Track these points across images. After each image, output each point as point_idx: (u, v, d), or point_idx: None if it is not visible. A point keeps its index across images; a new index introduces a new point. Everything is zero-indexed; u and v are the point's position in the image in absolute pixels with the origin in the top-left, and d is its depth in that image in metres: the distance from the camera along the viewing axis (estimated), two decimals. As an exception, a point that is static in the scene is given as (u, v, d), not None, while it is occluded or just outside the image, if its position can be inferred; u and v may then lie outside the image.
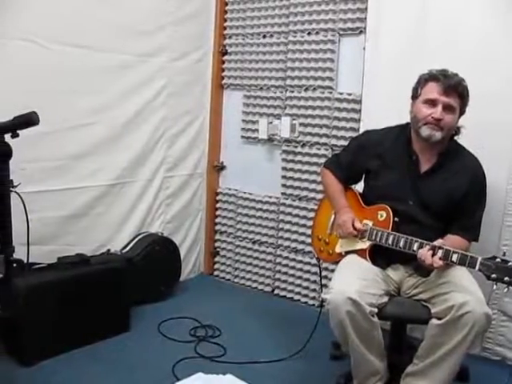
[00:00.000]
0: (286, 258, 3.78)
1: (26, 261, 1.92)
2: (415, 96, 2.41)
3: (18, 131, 1.83)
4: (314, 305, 3.63)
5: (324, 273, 2.86)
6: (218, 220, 4.17)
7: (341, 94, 3.40)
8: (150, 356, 2.89)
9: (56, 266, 2.94)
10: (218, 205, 4.16)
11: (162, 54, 3.65)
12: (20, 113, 1.83)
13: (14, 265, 1.89)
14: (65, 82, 3.10)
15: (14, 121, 1.83)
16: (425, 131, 2.33)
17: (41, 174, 3.03)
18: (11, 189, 1.92)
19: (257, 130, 3.82)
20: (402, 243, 2.29)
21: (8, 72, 2.82)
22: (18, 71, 2.87)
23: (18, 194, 1.95)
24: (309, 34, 3.51)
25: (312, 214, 3.34)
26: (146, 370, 2.74)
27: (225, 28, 3.98)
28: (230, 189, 4.08)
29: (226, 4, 3.95)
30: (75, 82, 3.15)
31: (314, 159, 3.55)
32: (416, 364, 2.27)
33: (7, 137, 1.83)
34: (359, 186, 2.72)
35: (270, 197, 3.83)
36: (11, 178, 1.91)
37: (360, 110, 3.28)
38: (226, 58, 3.99)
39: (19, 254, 1.90)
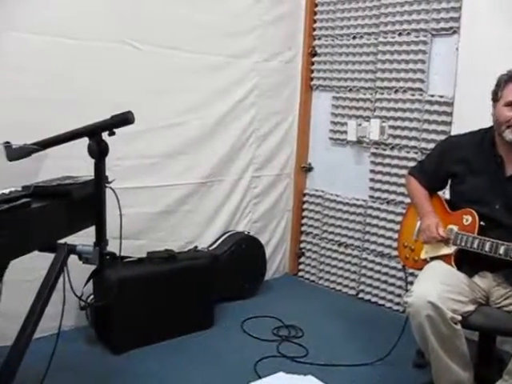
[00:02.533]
0: (372, 261, 3.74)
1: (118, 254, 1.99)
2: (495, 99, 2.32)
3: (115, 130, 1.89)
4: (398, 310, 3.56)
5: (410, 279, 2.79)
6: (304, 221, 4.18)
7: (432, 96, 3.31)
8: (232, 352, 2.94)
9: (146, 260, 3.07)
10: (304, 206, 4.17)
11: (252, 55, 3.71)
12: (116, 112, 1.89)
13: (108, 257, 1.96)
14: (158, 82, 3.22)
15: (111, 120, 1.89)
16: (508, 135, 2.24)
17: (134, 171, 3.16)
18: (106, 185, 1.99)
19: (345, 132, 3.79)
20: (487, 247, 2.21)
21: (105, 73, 2.98)
22: (114, 72, 3.02)
23: (112, 189, 2.01)
24: (400, 34, 3.44)
25: (399, 218, 3.27)
26: (228, 366, 2.79)
27: (314, 29, 3.98)
28: (316, 190, 4.08)
29: (316, 5, 3.95)
30: (168, 83, 3.27)
31: (403, 162, 3.48)
32: (506, 380, 2.17)
33: (104, 135, 1.91)
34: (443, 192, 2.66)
35: (357, 199, 3.79)
36: (106, 174, 2.00)
37: (452, 113, 3.18)
38: (315, 59, 3.99)
39: (112, 247, 1.98)
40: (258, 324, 3.29)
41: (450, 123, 3.20)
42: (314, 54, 3.99)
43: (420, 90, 3.37)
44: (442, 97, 3.26)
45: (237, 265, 3.58)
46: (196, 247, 3.48)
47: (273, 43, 3.82)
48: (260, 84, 3.79)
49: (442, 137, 3.18)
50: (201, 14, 3.36)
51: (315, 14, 3.95)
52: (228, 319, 3.32)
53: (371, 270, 3.75)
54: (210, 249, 3.58)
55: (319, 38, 3.96)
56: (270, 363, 2.81)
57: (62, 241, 1.94)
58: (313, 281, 4.14)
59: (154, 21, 3.14)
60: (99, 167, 1.89)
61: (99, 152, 1.86)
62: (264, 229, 4.03)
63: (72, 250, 1.93)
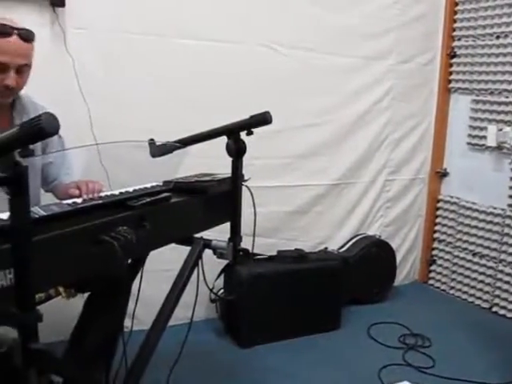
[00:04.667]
0: (509, 274, 3.53)
1: (250, 251, 2.05)
2: None
3: (253, 129, 1.94)
4: (538, 328, 3.35)
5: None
6: (437, 228, 4.05)
7: None
8: (357, 356, 2.93)
9: (276, 258, 3.13)
10: (438, 212, 4.04)
11: (388, 57, 3.66)
12: (254, 112, 1.94)
13: (241, 253, 2.02)
14: (295, 83, 3.29)
15: (249, 120, 1.93)
16: None
17: (268, 171, 3.25)
18: (242, 183, 2.06)
19: (484, 137, 3.62)
20: None
21: (245, 74, 3.12)
22: (254, 73, 3.15)
23: (248, 187, 2.07)
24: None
25: (542, 230, 3.09)
26: (352, 370, 2.78)
27: (454, 29, 3.82)
28: (451, 196, 3.93)
29: (457, 4, 3.79)
30: (305, 84, 3.33)
31: (548, 171, 3.27)
32: None
33: (242, 134, 1.96)
34: None
35: (495, 208, 3.61)
36: (242, 172, 2.07)
37: None
38: (454, 60, 3.85)
39: (245, 243, 2.05)
40: (385, 330, 3.24)
41: None
42: (454, 56, 3.85)
43: None
44: None
45: (366, 268, 3.55)
46: (326, 248, 3.50)
47: (410, 44, 3.74)
48: (396, 86, 3.73)
49: None
50: (337, 16, 3.38)
51: (455, 13, 3.80)
52: (354, 323, 3.31)
53: (508, 283, 3.54)
54: (340, 251, 3.59)
55: (459, 39, 3.81)
56: (394, 371, 2.75)
57: (198, 235, 2.03)
58: (443, 290, 4.00)
59: (292, 23, 3.22)
60: (236, 165, 1.95)
61: (237, 151, 1.92)
62: (395, 233, 3.96)
63: (207, 244, 2.01)
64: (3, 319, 1.19)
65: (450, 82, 3.89)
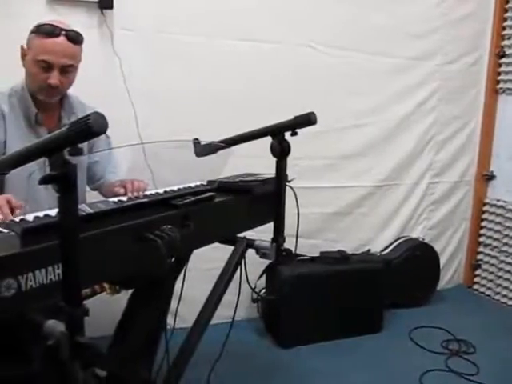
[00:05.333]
0: (556, 280, 3.45)
1: (293, 251, 2.05)
2: None
3: (297, 130, 1.94)
4: None
5: None
6: (482, 232, 3.97)
7: None
8: (398, 360, 2.90)
9: (318, 259, 3.13)
10: (483, 216, 3.96)
11: (434, 57, 3.61)
12: (299, 112, 1.94)
13: (284, 253, 2.02)
14: (339, 84, 3.30)
15: (294, 120, 1.93)
16: None
17: (312, 171, 3.25)
18: (286, 183, 2.05)
19: (534, 140, 3.54)
20: None
21: (290, 74, 3.13)
22: (298, 73, 3.16)
23: (291, 188, 2.07)
24: None
25: None
26: (392, 373, 2.75)
27: (504, 28, 3.74)
28: (498, 200, 3.85)
29: (507, 2, 3.70)
30: (349, 85, 3.32)
31: None
32: None
33: (287, 135, 1.97)
34: None
35: (543, 213, 3.53)
36: (286, 173, 2.07)
37: None
38: (503, 60, 3.77)
39: (288, 244, 2.04)
40: (427, 334, 3.19)
41: None
42: (503, 55, 3.76)
43: None
44: None
45: (409, 271, 3.51)
46: (369, 250, 3.48)
47: (456, 44, 3.68)
48: (441, 87, 3.68)
49: None
50: (382, 16, 3.35)
51: (505, 11, 3.72)
52: (396, 326, 3.27)
53: (556, 289, 3.46)
54: (383, 253, 3.56)
55: (509, 38, 3.72)
56: (436, 377, 2.72)
57: (241, 235, 2.04)
58: (488, 295, 3.92)
59: (336, 24, 3.23)
60: (280, 166, 1.94)
61: (281, 151, 1.92)
62: (439, 237, 3.90)
63: (250, 244, 2.02)
64: (52, 313, 1.22)
65: (498, 82, 3.81)
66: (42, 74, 1.91)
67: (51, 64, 1.90)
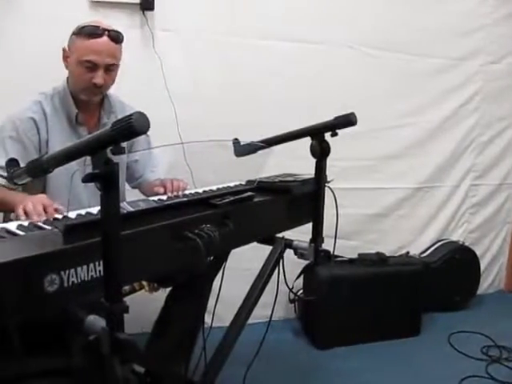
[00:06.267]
0: None
1: (332, 252, 2.03)
2: None
3: (338, 131, 1.93)
4: None
5: None
6: (525, 236, 3.89)
7: None
8: (436, 365, 2.85)
9: (356, 261, 3.11)
10: (527, 219, 3.88)
11: (477, 57, 3.55)
12: (340, 113, 1.93)
13: (322, 254, 2.01)
14: (380, 85, 3.28)
15: (334, 121, 1.92)
16: None
17: (351, 172, 3.23)
18: (326, 184, 2.05)
19: None
20: None
21: (330, 75, 3.14)
22: (338, 74, 3.16)
23: (330, 189, 2.06)
24: None
25: None
26: (430, 379, 2.71)
27: (551, 27, 3.65)
28: (542, 203, 3.77)
29: (553, 0, 3.61)
30: (390, 86, 3.31)
31: None
32: None
33: (327, 135, 1.96)
34: None
35: None
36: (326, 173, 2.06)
37: None
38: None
39: (326, 245, 2.04)
40: (467, 339, 3.14)
41: None
42: (547, 56, 3.68)
43: None
44: None
45: (448, 275, 3.46)
46: (408, 253, 3.43)
47: (501, 44, 3.61)
48: (484, 88, 3.61)
49: None
50: (424, 16, 3.32)
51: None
52: (435, 330, 3.23)
53: None
54: (422, 256, 3.51)
55: (556, 37, 3.63)
56: (476, 383, 2.67)
57: (279, 235, 2.04)
58: (531, 301, 3.84)
59: (378, 24, 3.21)
60: (320, 167, 1.93)
61: (321, 152, 1.91)
62: (480, 240, 3.83)
63: (289, 244, 2.01)
64: (93, 308, 1.24)
65: (542, 82, 3.72)
66: (86, 74, 1.95)
67: (96, 64, 1.94)
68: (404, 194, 3.49)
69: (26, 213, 1.52)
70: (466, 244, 3.66)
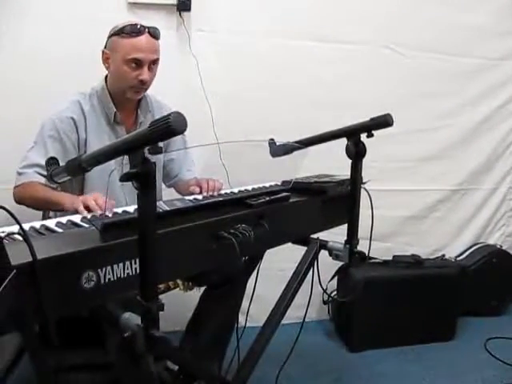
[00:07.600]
0: None
1: (366, 254, 2.02)
2: None
3: (373, 132, 1.92)
4: None
5: None
6: None
7: None
8: (472, 371, 2.79)
9: (391, 263, 3.07)
10: None
11: (515, 57, 3.48)
12: (376, 114, 1.92)
13: (357, 256, 2.00)
14: (417, 85, 3.23)
15: (370, 122, 1.90)
16: None
17: (387, 174, 3.19)
18: (361, 185, 2.04)
19: None
20: None
21: (367, 76, 3.11)
22: (375, 75, 3.13)
23: (366, 190, 2.05)
24: None
25: None
26: (467, 384, 2.68)
27: None
28: None
29: None
30: (427, 86, 3.25)
31: None
32: None
33: (363, 136, 1.95)
34: None
35: None
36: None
37: None
38: None
39: (361, 246, 2.02)
40: (504, 345, 3.06)
41: None
42: None
43: None
44: None
45: (485, 279, 3.39)
46: (443, 256, 3.38)
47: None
48: (525, 89, 3.53)
49: None
50: (462, 15, 3.25)
51: None
52: (470, 335, 3.16)
53: None
54: (458, 259, 3.45)
55: None
56: (514, 392, 2.62)
57: (314, 236, 2.03)
58: None
59: (416, 25, 3.15)
60: (356, 168, 1.93)
61: (356, 153, 1.91)
62: (519, 244, 3.75)
63: (323, 245, 2.01)
64: (128, 306, 1.26)
65: None
66: (133, 72, 1.99)
67: (141, 61, 1.98)
68: (440, 196, 3.43)
69: (87, 208, 1.56)
70: (504, 248, 3.59)
